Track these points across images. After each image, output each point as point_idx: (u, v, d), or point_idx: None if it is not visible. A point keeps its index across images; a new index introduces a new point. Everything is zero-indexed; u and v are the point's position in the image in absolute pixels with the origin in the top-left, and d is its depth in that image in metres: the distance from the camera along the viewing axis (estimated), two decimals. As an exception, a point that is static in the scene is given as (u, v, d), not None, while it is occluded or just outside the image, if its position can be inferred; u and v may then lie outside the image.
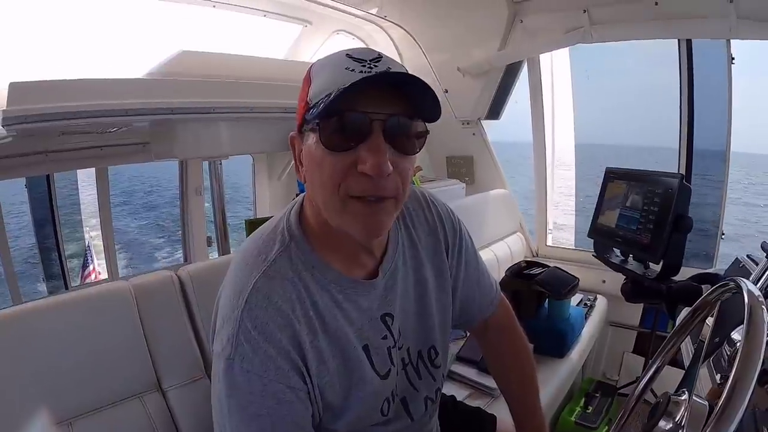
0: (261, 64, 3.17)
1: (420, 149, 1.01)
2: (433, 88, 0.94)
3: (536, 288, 2.70)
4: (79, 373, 1.49)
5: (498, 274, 3.11)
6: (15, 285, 4.07)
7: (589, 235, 2.95)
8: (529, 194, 4.53)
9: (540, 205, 4.30)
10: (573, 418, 2.95)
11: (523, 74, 4.04)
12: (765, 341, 0.77)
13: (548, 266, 2.89)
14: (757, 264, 1.88)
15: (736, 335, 1.37)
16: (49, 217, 5.37)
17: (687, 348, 1.75)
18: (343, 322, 1.08)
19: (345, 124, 0.92)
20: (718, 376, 1.36)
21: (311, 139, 0.97)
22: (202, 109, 2.55)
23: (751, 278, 1.65)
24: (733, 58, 3.11)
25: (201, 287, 1.74)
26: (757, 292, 0.85)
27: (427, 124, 1.01)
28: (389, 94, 0.94)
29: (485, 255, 3.57)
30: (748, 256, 2.07)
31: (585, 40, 3.24)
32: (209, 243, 4.81)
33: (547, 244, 4.37)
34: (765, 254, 1.80)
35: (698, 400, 0.90)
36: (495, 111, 4.18)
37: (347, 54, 0.98)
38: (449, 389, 2.16)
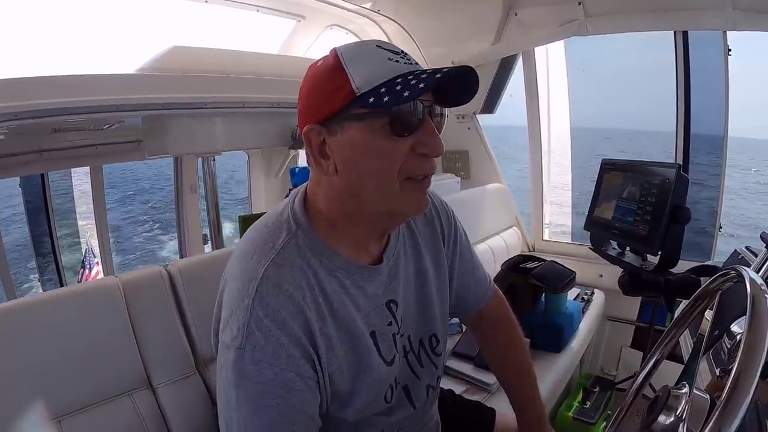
0: (254, 59, 3.16)
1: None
2: None
3: (533, 282, 2.68)
4: (69, 371, 1.47)
5: (494, 269, 3.10)
6: (9, 280, 4.06)
7: (586, 228, 2.94)
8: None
9: (536, 199, 4.29)
10: (571, 414, 2.94)
11: (518, 67, 4.02)
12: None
13: (545, 260, 2.88)
14: (756, 255, 1.87)
15: (736, 327, 1.36)
16: (44, 217, 5.35)
17: (686, 341, 1.74)
18: (351, 308, 1.10)
19: (415, 111, 0.97)
20: (717, 369, 1.34)
21: (357, 129, 0.98)
22: (195, 104, 2.54)
23: (751, 269, 1.64)
24: (729, 50, 3.10)
25: (191, 283, 1.72)
26: (759, 281, 0.83)
27: None
28: None
29: (481, 249, 3.58)
30: (747, 247, 2.06)
31: (580, 33, 3.23)
32: (205, 241, 4.80)
33: (544, 238, 4.36)
34: (765, 245, 1.79)
35: (699, 393, 0.88)
36: (490, 105, 4.20)
37: (377, 45, 1.03)
38: (445, 384, 2.14)
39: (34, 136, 3.22)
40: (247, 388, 0.96)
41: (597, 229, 2.87)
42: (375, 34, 4.18)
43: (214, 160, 3.44)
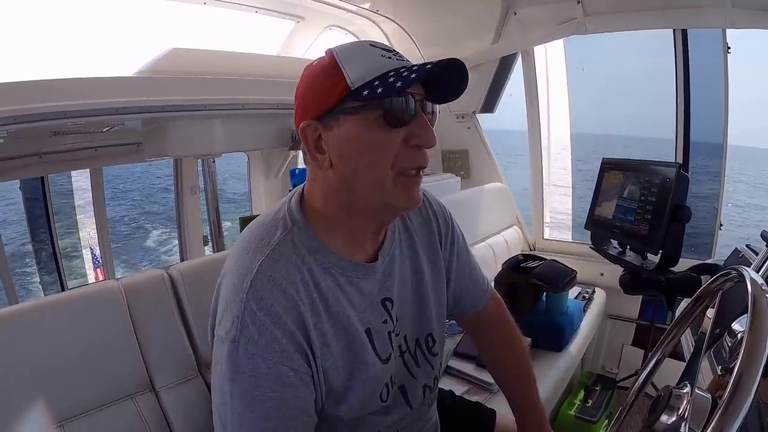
0: (253, 60, 3.16)
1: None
2: None
3: (533, 281, 2.67)
4: (70, 375, 1.47)
5: (495, 268, 3.10)
6: (10, 285, 4.06)
7: (586, 227, 2.94)
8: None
9: (536, 198, 4.29)
10: (573, 412, 2.94)
11: (518, 67, 4.03)
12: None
13: (545, 259, 2.88)
14: (756, 254, 1.87)
15: (737, 326, 1.36)
16: (44, 219, 5.35)
17: (687, 340, 1.74)
18: (346, 305, 1.11)
19: (407, 103, 1.00)
20: (719, 368, 1.34)
21: (352, 122, 1.01)
22: (194, 106, 2.54)
23: (751, 268, 1.64)
24: (728, 48, 3.10)
25: (192, 286, 1.72)
26: (760, 281, 0.83)
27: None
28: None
29: (482, 249, 3.58)
30: (747, 245, 2.06)
31: (579, 32, 3.23)
32: (205, 242, 4.80)
33: (544, 237, 4.36)
34: (765, 243, 1.79)
35: (701, 393, 0.89)
36: (489, 104, 4.18)
37: (370, 44, 1.07)
38: (447, 384, 2.15)
39: (34, 139, 3.23)
40: (241, 382, 0.97)
41: (598, 228, 2.87)
42: (374, 34, 4.18)
43: (213, 161, 3.43)
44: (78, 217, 8.82)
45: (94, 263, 7.59)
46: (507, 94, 4.20)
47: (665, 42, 3.34)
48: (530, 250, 4.32)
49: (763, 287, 0.81)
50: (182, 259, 4.90)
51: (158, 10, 3.27)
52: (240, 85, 2.73)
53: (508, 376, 1.59)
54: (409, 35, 4.08)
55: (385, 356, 1.18)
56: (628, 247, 2.71)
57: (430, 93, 1.06)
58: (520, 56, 3.96)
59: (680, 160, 3.33)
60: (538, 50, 3.98)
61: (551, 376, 2.49)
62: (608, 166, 2.86)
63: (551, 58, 4.16)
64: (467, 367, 2.40)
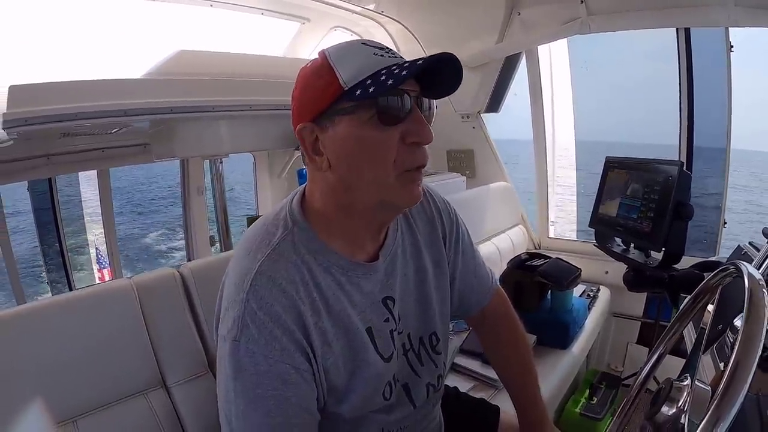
0: (259, 61, 3.17)
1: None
2: None
3: (538, 279, 2.69)
4: (84, 372, 1.49)
5: (500, 267, 3.11)
6: (18, 284, 4.08)
7: (591, 225, 2.94)
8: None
9: (541, 197, 4.30)
10: (578, 410, 2.95)
11: (522, 66, 4.04)
12: (766, 324, 0.77)
13: (550, 258, 2.89)
14: (758, 250, 1.88)
15: (739, 322, 1.37)
16: (51, 220, 5.37)
17: (689, 336, 1.76)
18: (346, 304, 1.11)
19: (401, 100, 1.00)
20: (721, 364, 1.36)
21: (347, 122, 1.01)
22: (202, 107, 2.56)
23: (753, 264, 1.66)
24: (732, 46, 3.11)
25: (203, 284, 1.74)
26: (757, 275, 0.85)
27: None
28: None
29: (487, 248, 3.59)
30: (750, 242, 2.07)
31: (583, 31, 3.23)
32: (212, 242, 4.82)
33: (549, 235, 4.37)
34: (767, 240, 1.81)
35: (701, 385, 0.90)
36: (494, 104, 4.18)
37: (362, 42, 1.06)
38: (453, 381, 2.16)
39: (42, 141, 3.25)
40: (244, 380, 0.98)
41: (602, 226, 2.87)
42: (379, 35, 4.20)
43: (221, 162, 3.45)
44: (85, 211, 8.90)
45: (99, 264, 7.65)
46: (512, 94, 4.21)
47: (667, 48, 3.36)
48: (535, 248, 4.33)
49: (761, 282, 0.83)
50: (189, 259, 4.91)
51: (166, 13, 3.29)
52: (247, 87, 2.74)
53: (512, 373, 1.59)
54: (413, 35, 4.10)
55: (387, 355, 1.19)
56: (632, 244, 2.72)
57: (426, 89, 1.06)
58: (525, 56, 3.97)
59: (683, 159, 3.34)
60: (543, 50, 3.99)
61: (556, 373, 2.50)
62: (612, 164, 2.87)
63: (555, 58, 4.17)
64: (473, 364, 2.41)
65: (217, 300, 1.13)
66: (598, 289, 3.45)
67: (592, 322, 3.04)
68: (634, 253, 2.68)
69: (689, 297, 1.16)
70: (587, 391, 3.13)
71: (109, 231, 5.02)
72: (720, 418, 0.69)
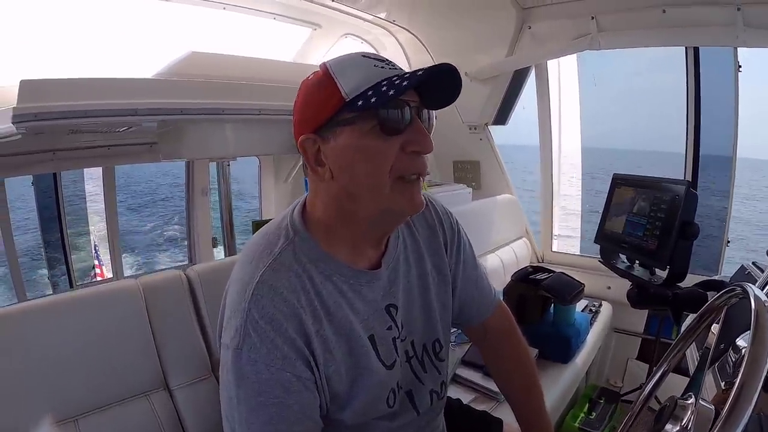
0: (270, 66, 3.17)
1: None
2: None
3: (542, 293, 2.70)
4: (87, 371, 1.50)
5: (504, 279, 3.12)
6: (20, 282, 4.09)
7: (596, 241, 2.95)
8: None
9: (545, 211, 4.31)
10: (576, 424, 2.95)
11: (531, 80, 4.05)
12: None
13: (554, 272, 2.89)
14: (762, 271, 1.88)
15: (741, 342, 1.38)
16: (55, 215, 5.38)
17: (692, 354, 1.76)
18: (348, 312, 1.12)
19: (402, 110, 1.02)
20: (723, 383, 1.36)
21: (349, 133, 1.03)
22: (211, 110, 2.56)
23: (756, 285, 1.66)
24: (740, 66, 3.12)
25: (209, 287, 1.75)
26: (763, 297, 0.85)
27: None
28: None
29: (491, 260, 3.60)
30: (753, 263, 2.08)
31: (592, 47, 3.24)
32: (214, 244, 4.82)
33: (553, 249, 4.37)
34: (770, 261, 1.81)
35: (705, 404, 0.91)
36: (502, 116, 4.20)
37: (363, 55, 1.08)
38: (454, 393, 2.16)
39: (49, 137, 3.26)
40: (246, 388, 0.99)
41: (607, 243, 2.88)
42: (389, 43, 4.21)
43: (228, 165, 3.46)
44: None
45: (97, 260, 7.68)
46: (520, 107, 4.22)
47: (676, 57, 3.37)
48: (539, 261, 4.33)
49: (767, 303, 0.84)
50: (190, 260, 4.92)
51: (178, 14, 3.30)
52: (256, 91, 2.74)
53: (515, 388, 1.58)
54: (424, 45, 4.10)
55: (389, 362, 1.19)
56: (637, 262, 2.72)
57: (425, 99, 1.07)
58: (534, 70, 3.98)
59: (689, 178, 3.34)
60: (552, 65, 4.00)
61: (557, 387, 2.50)
62: (619, 181, 2.87)
63: (564, 72, 4.18)
64: (474, 376, 2.41)
65: (220, 308, 1.14)
66: (601, 304, 3.45)
67: (593, 336, 3.04)
68: (638, 271, 2.68)
69: (695, 316, 1.16)
70: (586, 406, 3.12)
71: (112, 228, 5.02)
72: (725, 437, 0.69)
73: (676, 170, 3.48)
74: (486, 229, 3.65)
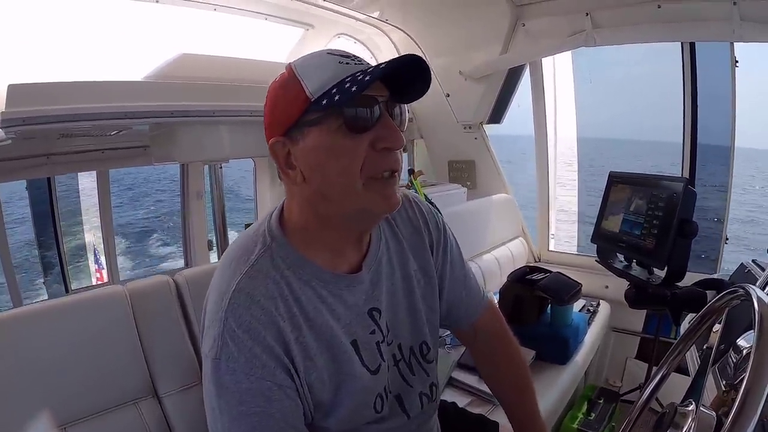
0: (261, 67, 3.16)
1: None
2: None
3: (539, 293, 2.68)
4: (74, 379, 1.47)
5: (500, 280, 3.10)
6: (15, 287, 4.07)
7: (593, 240, 2.93)
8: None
9: (542, 210, 4.29)
10: (575, 425, 2.93)
11: (526, 78, 4.03)
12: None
13: (551, 272, 2.87)
14: (763, 269, 1.86)
15: (742, 342, 1.36)
16: (49, 220, 5.36)
17: (692, 355, 1.74)
18: (328, 317, 1.11)
19: (369, 106, 1.01)
20: (723, 383, 1.34)
21: (316, 133, 1.01)
22: (203, 111, 2.55)
23: (757, 284, 1.63)
24: (737, 61, 3.10)
25: (198, 292, 1.72)
26: (767, 299, 0.83)
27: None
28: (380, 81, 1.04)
29: (487, 260, 3.58)
30: (753, 261, 2.06)
31: (587, 44, 3.22)
32: (210, 247, 4.81)
33: (550, 249, 4.35)
34: (771, 259, 1.79)
35: (705, 411, 0.88)
36: (497, 115, 4.17)
37: (328, 52, 1.07)
38: (450, 396, 2.14)
39: (42, 141, 3.25)
40: (227, 398, 0.99)
41: (604, 242, 2.86)
42: (383, 43, 4.20)
43: (221, 167, 3.45)
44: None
45: (97, 265, 7.68)
46: (515, 105, 4.20)
47: (674, 45, 3.36)
48: (535, 261, 4.32)
49: (771, 305, 0.81)
50: (186, 263, 4.92)
51: (168, 16, 3.28)
52: (249, 92, 2.73)
53: (508, 391, 1.57)
54: (417, 45, 4.09)
55: (373, 367, 1.17)
56: (634, 261, 2.70)
57: (395, 94, 1.06)
58: (528, 67, 3.96)
59: (687, 175, 3.32)
60: (546, 62, 3.98)
61: (555, 388, 2.48)
62: (615, 179, 2.85)
63: (559, 65, 4.17)
64: (470, 379, 2.39)
65: (202, 313, 1.13)
66: (598, 304, 3.43)
67: (591, 337, 3.02)
68: (636, 270, 2.66)
69: (695, 317, 1.14)
70: (585, 406, 3.11)
71: (107, 231, 5.00)
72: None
73: (673, 159, 3.47)
74: (482, 229, 3.63)
